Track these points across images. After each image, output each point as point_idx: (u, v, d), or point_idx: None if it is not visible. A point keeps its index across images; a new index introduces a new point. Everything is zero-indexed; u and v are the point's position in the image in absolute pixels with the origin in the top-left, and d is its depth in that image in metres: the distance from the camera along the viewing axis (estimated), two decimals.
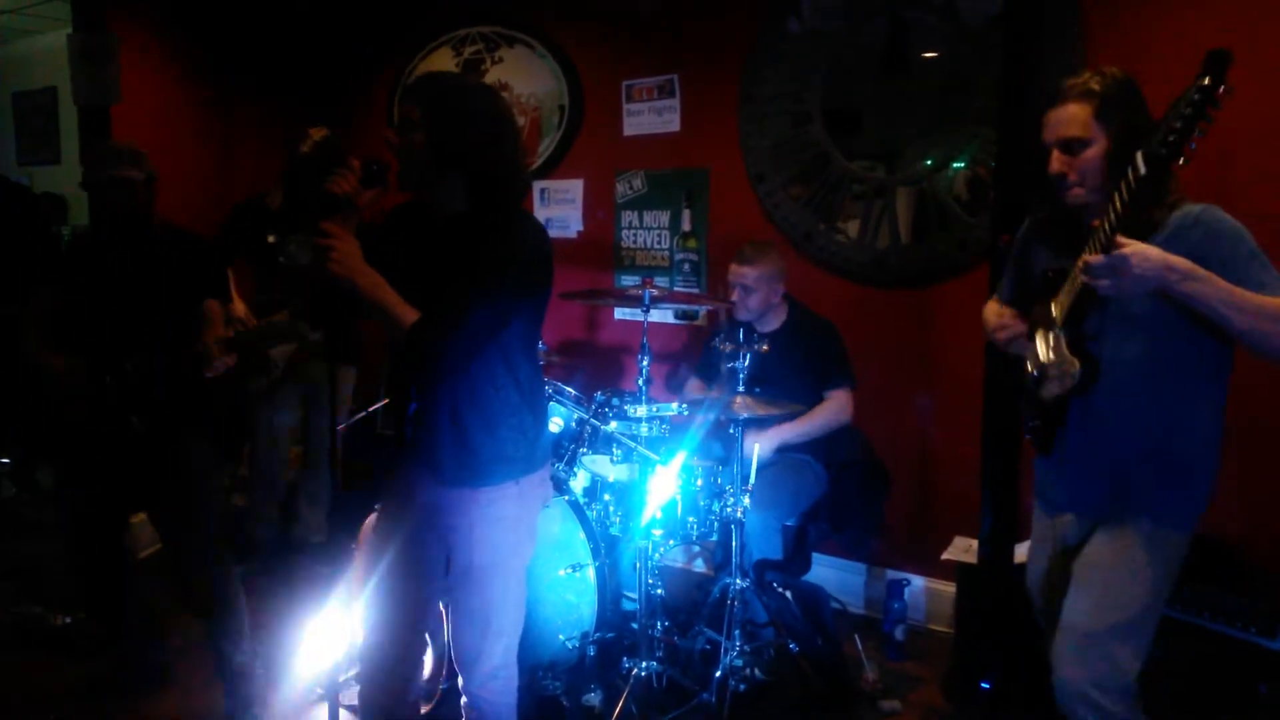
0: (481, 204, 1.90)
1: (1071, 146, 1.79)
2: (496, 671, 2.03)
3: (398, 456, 2.01)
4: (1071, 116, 1.78)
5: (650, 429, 2.86)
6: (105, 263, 2.59)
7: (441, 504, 1.95)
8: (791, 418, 3.02)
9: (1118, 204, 1.60)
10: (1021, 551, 2.82)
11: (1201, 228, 1.70)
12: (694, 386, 3.47)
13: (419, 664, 2.20)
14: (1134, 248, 1.59)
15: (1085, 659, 1.83)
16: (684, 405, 3.02)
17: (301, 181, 3.57)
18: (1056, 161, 1.82)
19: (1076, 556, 1.94)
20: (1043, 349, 1.92)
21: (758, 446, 2.97)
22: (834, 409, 3.13)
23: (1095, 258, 1.63)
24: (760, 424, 2.97)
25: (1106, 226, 1.62)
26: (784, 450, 3.08)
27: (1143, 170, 1.55)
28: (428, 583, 2.05)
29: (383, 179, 1.91)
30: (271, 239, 3.62)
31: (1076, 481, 1.95)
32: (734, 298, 3.18)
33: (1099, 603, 1.84)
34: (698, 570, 3.75)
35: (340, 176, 1.87)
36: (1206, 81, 1.47)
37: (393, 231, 2.04)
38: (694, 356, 3.51)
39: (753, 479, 2.76)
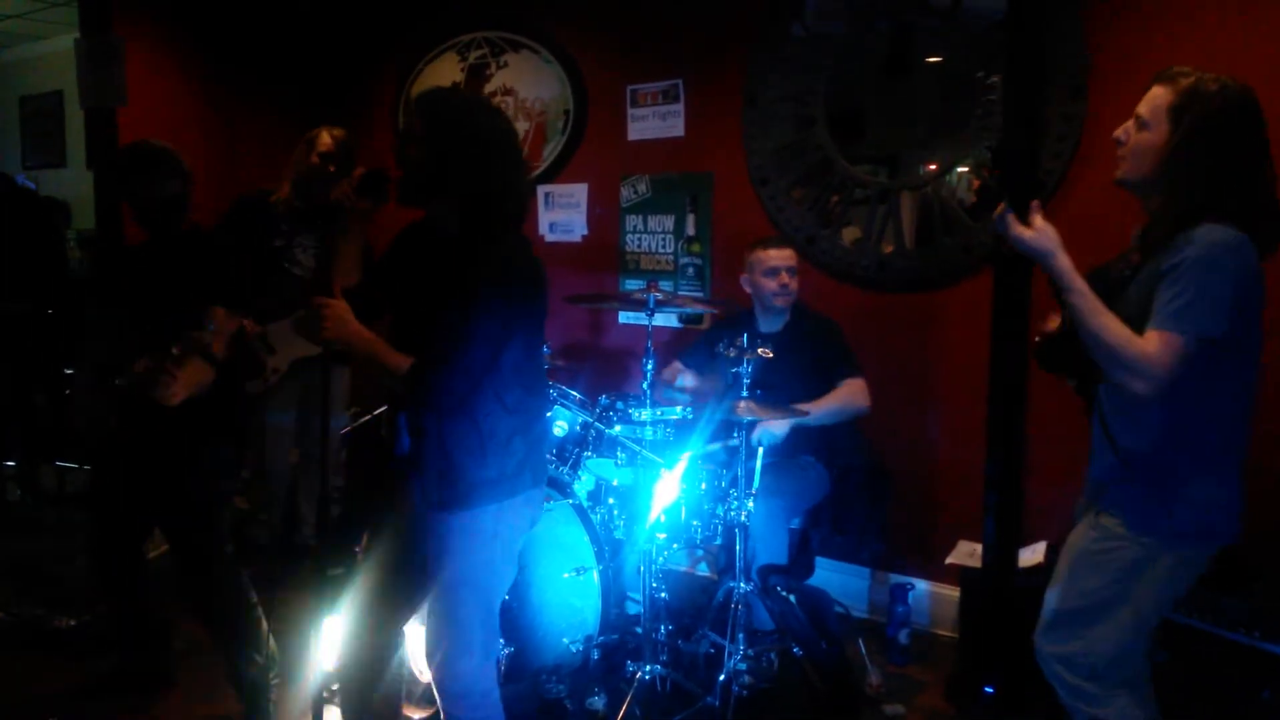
0: (471, 228, 1.89)
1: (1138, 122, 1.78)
2: (468, 691, 1.97)
3: (393, 463, 2.01)
4: (1150, 96, 1.76)
5: (654, 432, 2.86)
6: (134, 269, 2.61)
7: (425, 515, 1.95)
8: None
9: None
10: (1026, 555, 2.82)
11: (1188, 244, 1.65)
12: (673, 368, 3.38)
13: (388, 664, 2.20)
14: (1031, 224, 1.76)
15: (1052, 633, 1.88)
16: (685, 408, 3.02)
17: (319, 184, 3.46)
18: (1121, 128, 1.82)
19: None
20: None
21: (771, 426, 2.88)
22: (847, 394, 3.07)
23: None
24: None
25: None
26: (795, 433, 2.99)
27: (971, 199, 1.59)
28: (410, 586, 2.03)
29: (380, 190, 1.91)
30: (279, 243, 3.59)
31: (1093, 459, 1.91)
32: (780, 283, 3.15)
33: (1065, 586, 1.87)
34: (701, 574, 3.75)
35: (338, 184, 1.89)
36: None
37: (400, 250, 2.05)
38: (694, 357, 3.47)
39: (758, 471, 2.76)
